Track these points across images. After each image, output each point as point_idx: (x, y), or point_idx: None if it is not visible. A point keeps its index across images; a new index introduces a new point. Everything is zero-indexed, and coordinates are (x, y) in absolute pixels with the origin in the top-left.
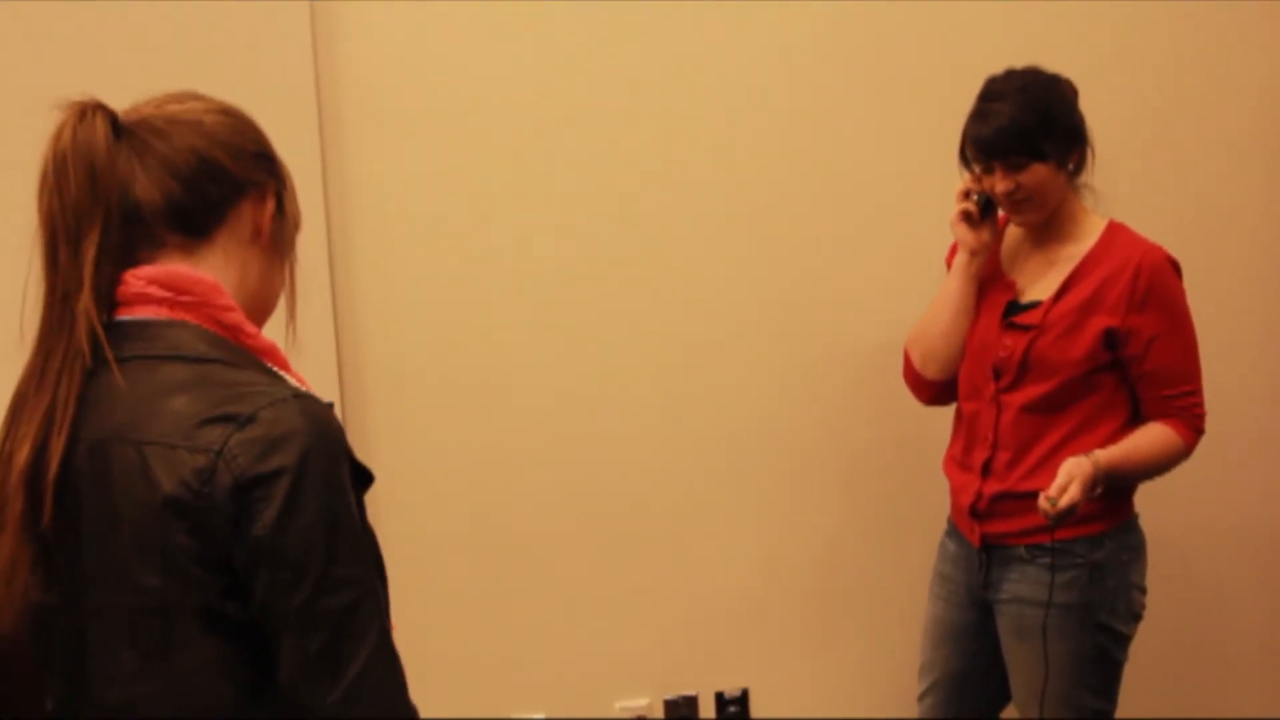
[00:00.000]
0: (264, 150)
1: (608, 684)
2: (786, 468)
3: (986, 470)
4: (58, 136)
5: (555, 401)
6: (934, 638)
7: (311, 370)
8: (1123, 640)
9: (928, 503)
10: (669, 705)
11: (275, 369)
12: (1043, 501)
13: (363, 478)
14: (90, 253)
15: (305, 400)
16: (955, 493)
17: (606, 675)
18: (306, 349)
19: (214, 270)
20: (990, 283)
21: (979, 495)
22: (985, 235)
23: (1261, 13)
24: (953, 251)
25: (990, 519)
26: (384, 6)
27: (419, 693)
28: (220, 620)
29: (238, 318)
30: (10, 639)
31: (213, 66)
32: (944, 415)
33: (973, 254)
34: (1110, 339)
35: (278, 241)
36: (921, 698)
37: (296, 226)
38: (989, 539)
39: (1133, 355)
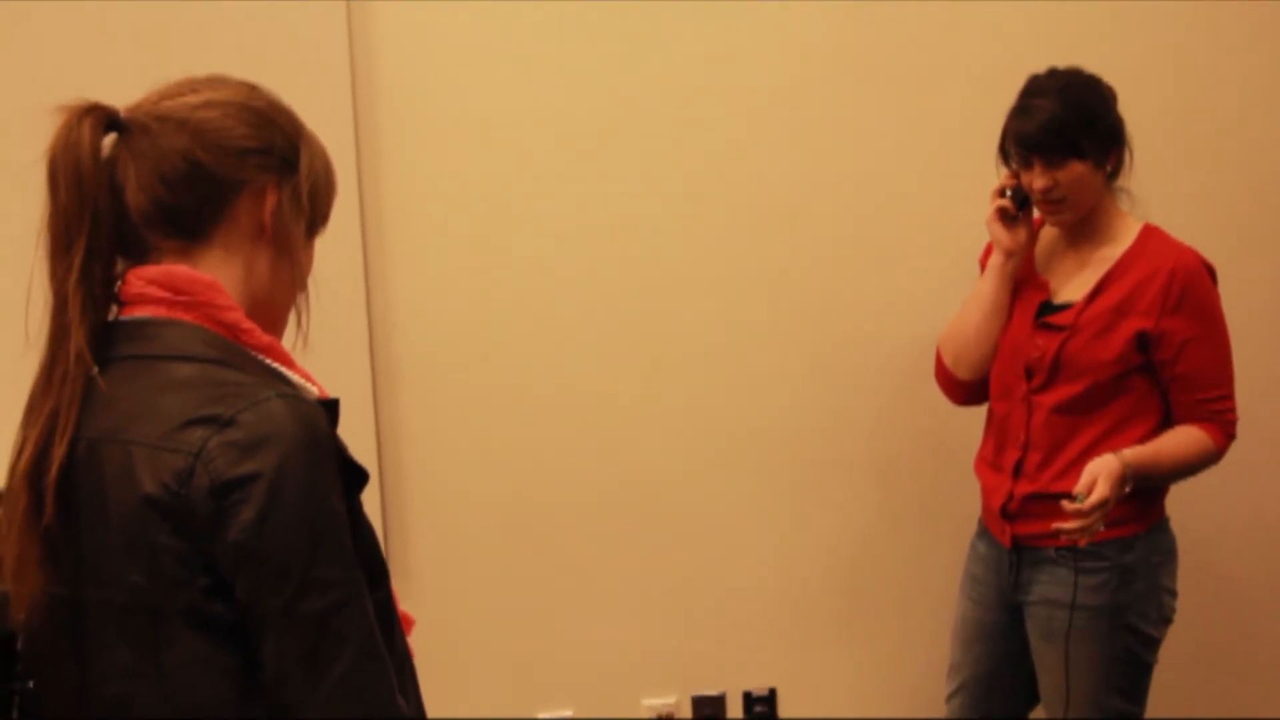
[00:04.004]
0: (262, 145)
1: (635, 682)
2: (815, 466)
3: (1018, 471)
4: (51, 143)
5: (585, 400)
6: (964, 638)
7: (344, 366)
8: (1152, 644)
9: (959, 503)
10: (696, 703)
11: (277, 365)
12: (1067, 503)
13: (356, 477)
14: (78, 259)
15: (291, 400)
16: (986, 493)
17: (634, 673)
18: (340, 344)
19: (215, 269)
20: (1024, 283)
21: (1010, 496)
22: (1021, 235)
23: None
24: (987, 252)
25: (1021, 520)
26: (420, 7)
27: (447, 689)
28: (206, 619)
29: (236, 316)
30: (28, 632)
31: (247, 67)
32: (976, 415)
33: (1008, 254)
34: (1143, 341)
35: (285, 237)
36: (950, 698)
37: (319, 219)
38: (1020, 540)
39: (1165, 358)
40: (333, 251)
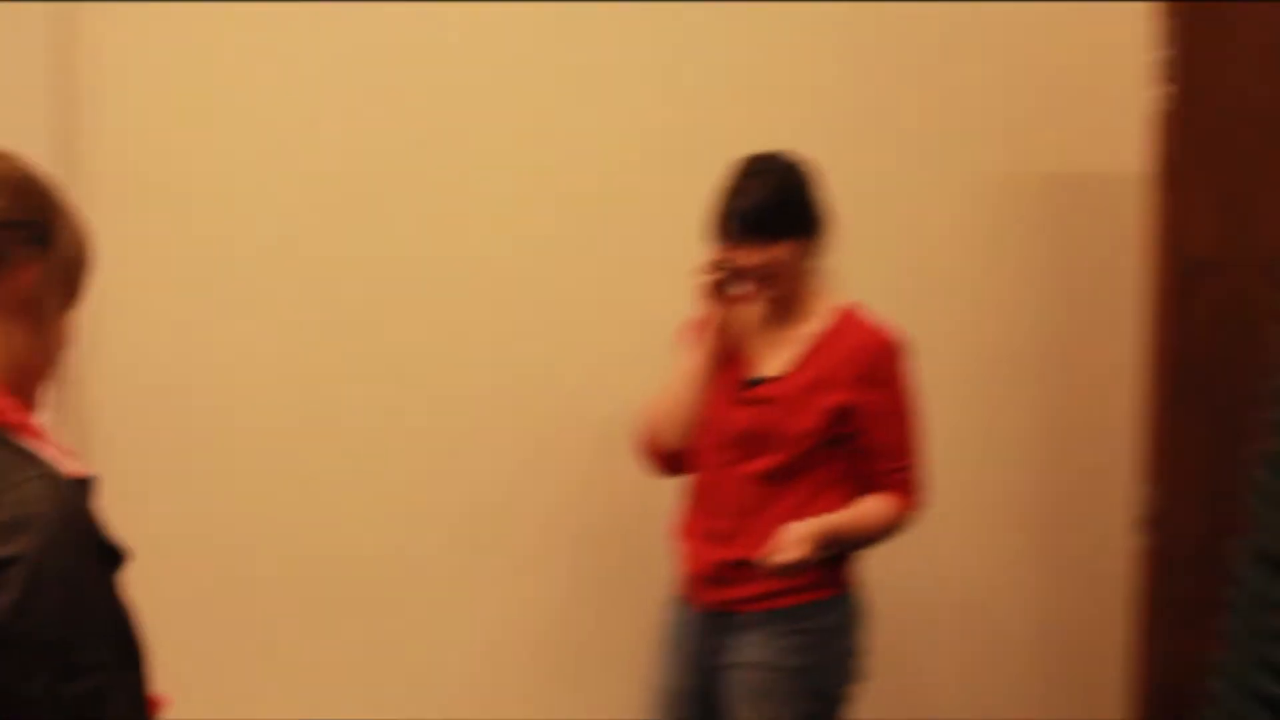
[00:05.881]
0: (23, 217)
1: None
2: (516, 542)
3: (719, 538)
4: None
5: (290, 469)
6: (662, 701)
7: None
8: (844, 702)
9: (657, 572)
10: None
11: (27, 445)
12: (761, 559)
13: (114, 557)
14: None
15: (49, 481)
16: (686, 560)
17: None
18: None
19: None
20: (725, 358)
21: (711, 563)
22: (726, 310)
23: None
24: (685, 328)
25: (722, 585)
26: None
27: None
28: None
29: None
30: None
31: None
32: (672, 486)
33: (713, 329)
34: (839, 415)
35: (43, 310)
36: None
37: (75, 293)
38: (719, 606)
39: (859, 430)
40: None
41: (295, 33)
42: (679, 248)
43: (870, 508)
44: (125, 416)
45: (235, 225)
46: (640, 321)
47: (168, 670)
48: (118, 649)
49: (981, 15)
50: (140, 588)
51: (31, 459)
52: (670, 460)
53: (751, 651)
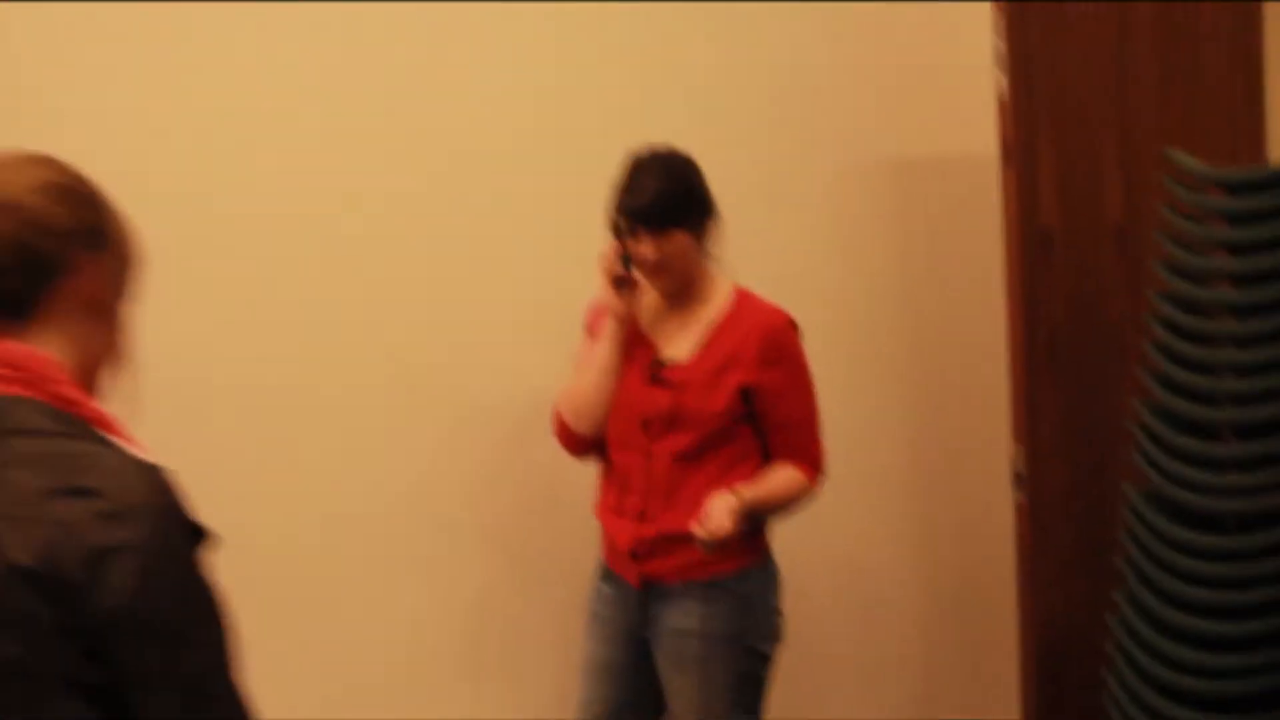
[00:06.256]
0: (82, 224)
1: None
2: (433, 529)
3: (642, 515)
4: None
5: (222, 463)
6: (593, 675)
7: None
8: (768, 661)
9: (572, 550)
10: None
11: (111, 437)
12: (696, 529)
13: (200, 535)
14: None
15: (146, 469)
16: (611, 537)
17: None
18: None
19: (50, 344)
20: (633, 344)
21: (636, 539)
22: (630, 299)
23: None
24: (593, 316)
25: (648, 559)
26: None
27: None
28: (81, 684)
29: (69, 390)
30: None
31: None
32: (581, 469)
33: (619, 318)
34: (745, 393)
35: (106, 308)
36: None
37: (130, 288)
38: (648, 578)
39: (764, 407)
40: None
41: (288, 38)
42: (579, 238)
43: (783, 478)
44: None
45: (212, 227)
46: (544, 310)
47: None
48: (219, 626)
49: (841, 15)
50: None
51: (118, 449)
52: (586, 444)
53: (681, 620)
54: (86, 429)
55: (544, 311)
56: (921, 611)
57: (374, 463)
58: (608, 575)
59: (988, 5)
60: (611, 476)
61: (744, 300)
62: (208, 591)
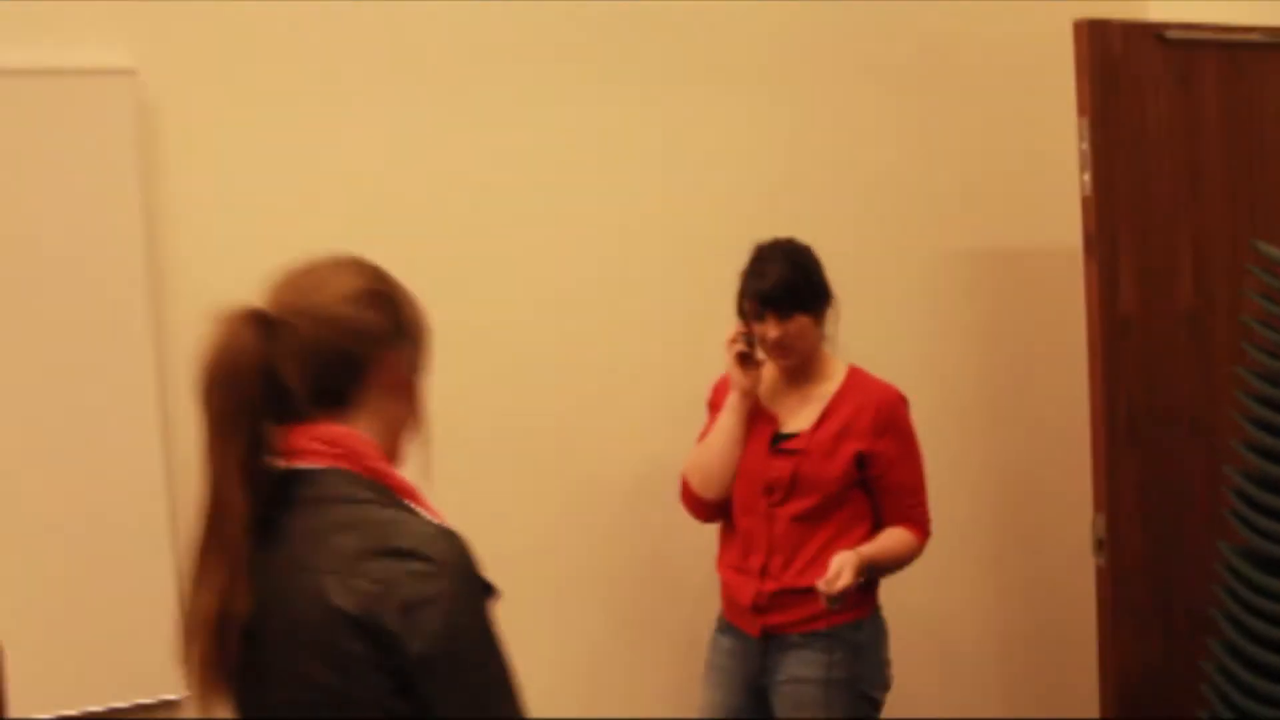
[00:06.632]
0: (389, 325)
1: None
2: (556, 581)
3: (764, 572)
4: (214, 345)
5: None
6: None
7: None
8: (878, 705)
9: (683, 605)
10: None
11: (412, 505)
12: (821, 585)
13: (490, 591)
14: (238, 445)
15: (450, 535)
16: (734, 593)
17: None
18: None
19: (360, 424)
20: (755, 417)
21: (759, 593)
22: (755, 376)
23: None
24: (714, 391)
25: (769, 612)
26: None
27: None
28: (390, 713)
29: (382, 465)
30: None
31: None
32: (691, 531)
33: (744, 393)
34: (860, 460)
35: (408, 389)
36: None
37: (425, 366)
38: (768, 630)
39: (876, 474)
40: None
41: (351, 126)
42: (701, 320)
43: (896, 539)
44: None
45: None
46: (672, 383)
47: None
48: (509, 672)
49: (946, 122)
50: None
51: (420, 515)
52: (711, 508)
53: (799, 669)
54: (393, 497)
55: (665, 386)
56: (1001, 662)
57: (500, 523)
58: (726, 628)
59: (1073, 113)
60: (734, 537)
61: (857, 376)
62: (499, 642)
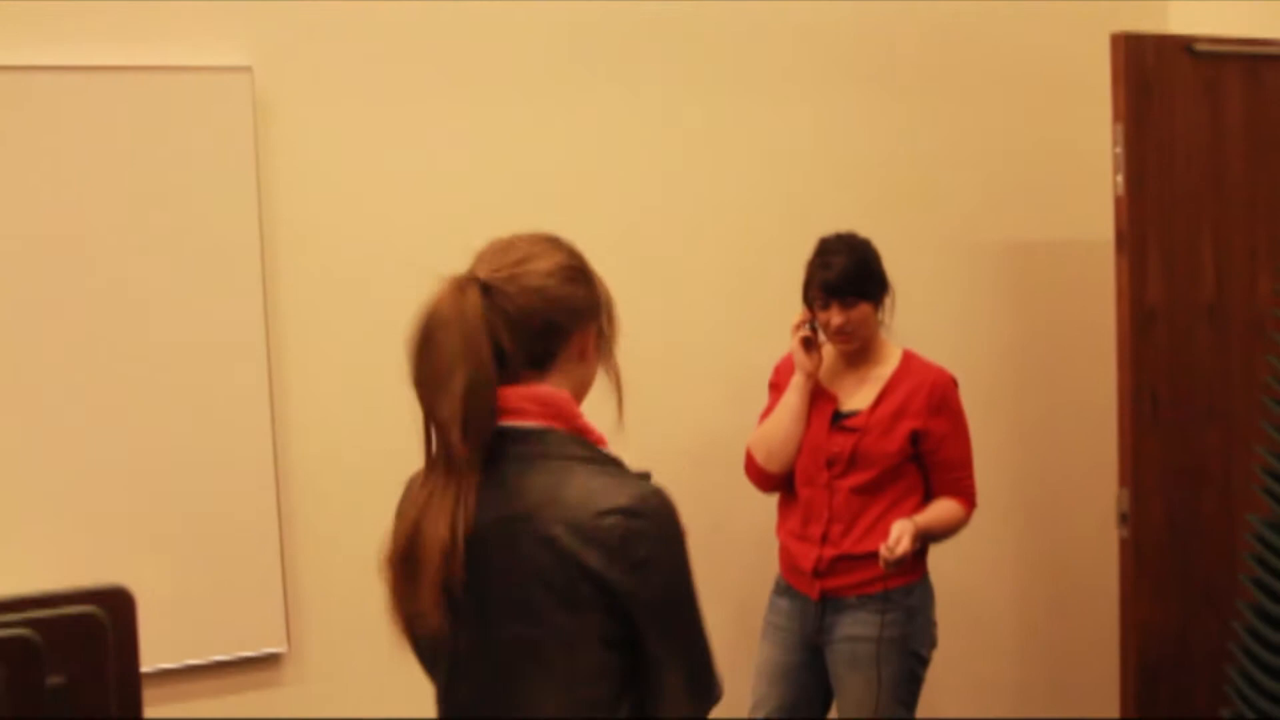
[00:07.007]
0: (589, 299)
1: None
2: None
3: (824, 539)
4: (438, 303)
5: None
6: (768, 676)
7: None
8: (926, 663)
9: (740, 569)
10: None
11: (611, 454)
12: (883, 551)
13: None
14: (459, 388)
15: (660, 492)
16: (795, 558)
17: None
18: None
19: (559, 385)
20: (816, 396)
21: (820, 559)
22: (818, 359)
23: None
24: (776, 372)
25: (829, 576)
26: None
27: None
28: (610, 642)
29: (584, 423)
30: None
31: (153, 140)
32: (748, 500)
33: (808, 374)
34: (914, 437)
35: (597, 354)
36: None
37: (614, 337)
38: (827, 592)
39: (929, 449)
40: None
41: (447, 118)
42: (761, 307)
43: (946, 509)
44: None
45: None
46: (728, 367)
47: None
48: (700, 609)
49: (984, 122)
50: None
51: (634, 475)
52: (775, 480)
53: (855, 628)
54: (602, 454)
55: (721, 369)
56: (1029, 624)
57: None
58: (785, 590)
59: (1106, 116)
60: (795, 507)
61: (911, 360)
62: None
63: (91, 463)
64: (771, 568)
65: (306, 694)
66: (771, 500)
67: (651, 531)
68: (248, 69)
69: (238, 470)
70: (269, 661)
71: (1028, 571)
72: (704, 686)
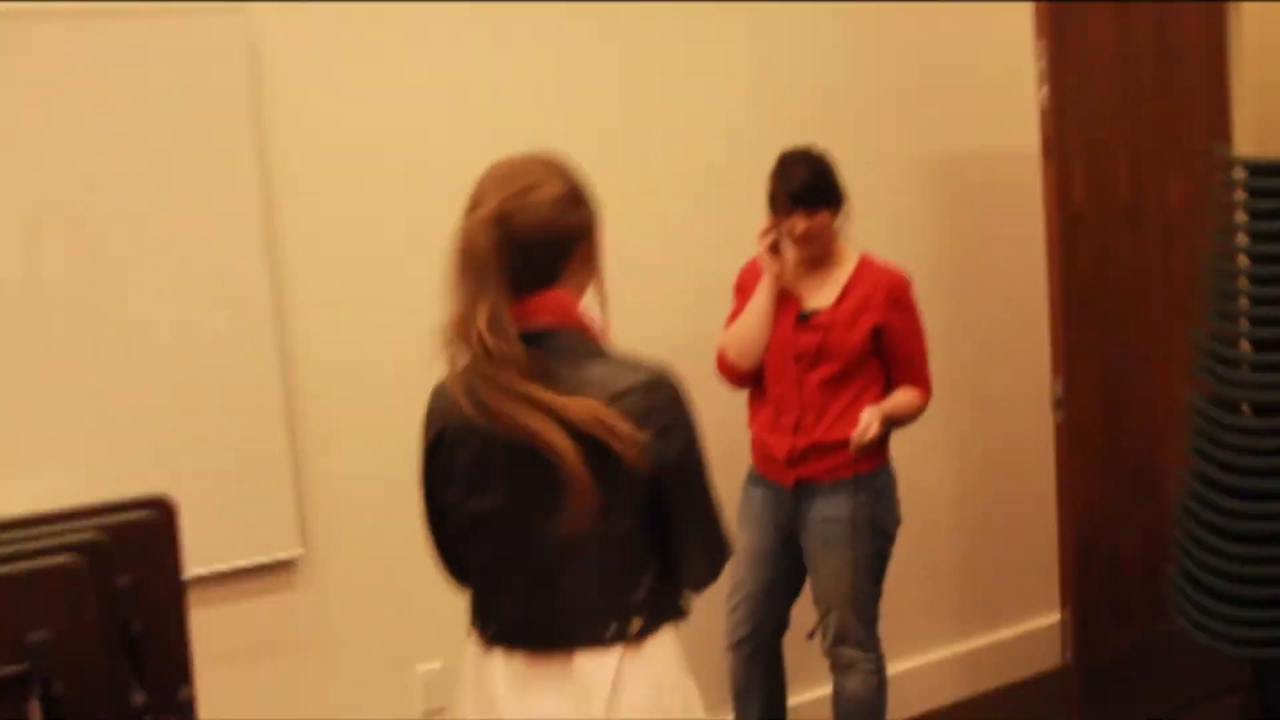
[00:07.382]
0: (588, 217)
1: None
2: None
3: (796, 429)
4: (467, 233)
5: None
6: (746, 561)
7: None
8: (892, 540)
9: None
10: None
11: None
12: (855, 435)
13: None
14: (488, 309)
15: (667, 371)
16: (769, 449)
17: None
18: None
19: (565, 290)
20: (782, 298)
21: (793, 448)
22: (783, 262)
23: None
24: (741, 275)
25: (802, 464)
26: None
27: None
28: (638, 505)
29: (589, 322)
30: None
31: (149, 90)
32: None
33: (775, 277)
34: (875, 332)
35: (595, 262)
36: (735, 609)
37: (600, 238)
38: (801, 479)
39: (889, 342)
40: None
41: (442, 36)
42: (739, 216)
43: (907, 397)
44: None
45: (391, 206)
46: (705, 270)
47: None
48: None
49: (919, 41)
50: None
51: (640, 357)
52: (745, 376)
53: (829, 510)
54: (603, 348)
55: (704, 269)
56: (973, 506)
57: None
58: (759, 480)
59: (1029, 32)
60: (765, 401)
61: (868, 262)
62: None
63: (100, 376)
64: (739, 463)
65: (322, 598)
66: (737, 399)
67: (667, 402)
68: (242, 8)
69: (246, 377)
70: (285, 567)
71: (973, 458)
72: (718, 540)
